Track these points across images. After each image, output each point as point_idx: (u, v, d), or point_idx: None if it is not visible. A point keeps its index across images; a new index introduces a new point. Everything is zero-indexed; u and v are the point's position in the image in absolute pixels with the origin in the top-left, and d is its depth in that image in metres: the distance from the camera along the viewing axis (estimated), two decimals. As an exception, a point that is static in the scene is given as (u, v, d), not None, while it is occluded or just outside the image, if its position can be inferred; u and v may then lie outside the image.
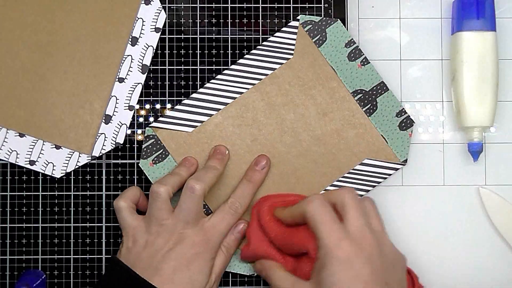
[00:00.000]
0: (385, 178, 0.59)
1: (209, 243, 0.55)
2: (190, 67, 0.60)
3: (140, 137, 0.60)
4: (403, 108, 0.59)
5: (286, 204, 0.56)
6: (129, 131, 0.60)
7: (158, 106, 0.60)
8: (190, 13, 0.60)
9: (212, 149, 0.59)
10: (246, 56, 0.59)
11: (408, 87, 0.61)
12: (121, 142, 0.60)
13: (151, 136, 0.59)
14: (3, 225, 0.60)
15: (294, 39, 0.59)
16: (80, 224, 0.60)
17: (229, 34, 0.60)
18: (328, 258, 0.49)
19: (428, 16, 0.61)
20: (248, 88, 0.59)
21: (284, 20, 0.60)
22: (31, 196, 0.60)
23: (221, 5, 0.60)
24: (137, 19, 0.60)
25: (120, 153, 0.60)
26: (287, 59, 0.59)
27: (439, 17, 0.61)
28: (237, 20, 0.60)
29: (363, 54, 0.59)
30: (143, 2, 0.60)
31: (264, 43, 0.59)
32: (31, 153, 0.59)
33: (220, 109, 0.59)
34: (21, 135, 0.59)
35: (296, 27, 0.59)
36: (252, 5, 0.60)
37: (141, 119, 0.60)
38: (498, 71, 0.58)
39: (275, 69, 0.59)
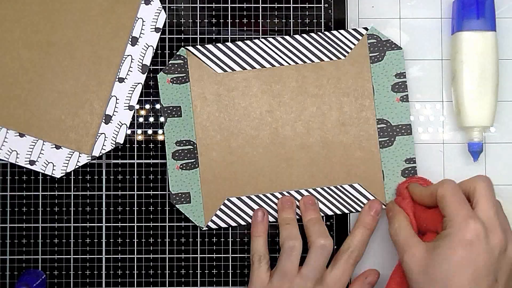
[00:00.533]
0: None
1: None
2: (190, 67, 0.60)
3: (140, 137, 0.60)
4: (415, 157, 0.59)
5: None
6: (129, 131, 0.60)
7: (158, 106, 0.60)
8: (190, 13, 0.60)
9: (289, 201, 0.59)
10: (304, 35, 0.59)
11: (408, 87, 0.61)
12: (121, 142, 0.60)
13: (182, 57, 0.59)
14: (3, 225, 0.60)
15: (354, 44, 0.59)
16: (80, 224, 0.60)
17: (229, 34, 0.60)
18: (452, 234, 0.49)
19: (428, 16, 0.61)
20: (289, 64, 0.59)
21: (284, 20, 0.60)
22: (31, 196, 0.60)
23: (221, 5, 0.60)
24: (137, 19, 0.60)
25: (120, 153, 0.60)
26: (338, 58, 0.59)
27: (439, 17, 0.61)
28: (237, 20, 0.60)
29: (407, 91, 0.59)
30: (143, 2, 0.60)
31: (326, 33, 0.59)
32: (31, 153, 0.59)
33: (255, 68, 0.59)
34: (21, 135, 0.59)
35: (361, 34, 0.59)
36: (252, 5, 0.60)
37: (141, 119, 0.60)
38: (498, 71, 0.58)
39: (323, 60, 0.59)
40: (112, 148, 0.60)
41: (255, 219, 0.58)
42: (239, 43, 0.59)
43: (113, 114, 0.60)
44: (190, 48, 0.59)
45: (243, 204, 0.59)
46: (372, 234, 0.58)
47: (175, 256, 0.60)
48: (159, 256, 0.60)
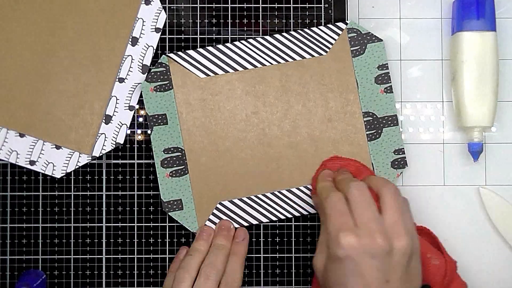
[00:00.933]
0: None
1: None
2: (190, 67, 0.60)
3: (140, 137, 0.60)
4: (403, 148, 0.59)
5: (342, 167, 0.57)
6: (129, 131, 0.60)
7: (158, 106, 0.60)
8: (190, 13, 0.60)
9: (217, 225, 0.59)
10: (284, 34, 0.59)
11: (408, 87, 0.61)
12: (121, 142, 0.60)
13: (164, 64, 0.59)
14: (3, 225, 0.60)
15: (335, 39, 0.59)
16: (80, 224, 0.60)
17: (229, 34, 0.60)
18: (330, 249, 0.50)
19: (428, 16, 0.61)
20: (271, 64, 0.59)
21: (284, 20, 0.60)
22: (31, 196, 0.60)
23: (221, 5, 0.60)
24: (137, 19, 0.60)
25: (120, 153, 0.60)
26: (320, 54, 0.59)
27: (439, 17, 0.61)
28: (237, 20, 0.60)
29: (390, 82, 0.59)
30: (143, 2, 0.60)
31: (306, 30, 0.59)
32: (31, 153, 0.59)
33: (237, 70, 0.59)
34: (22, 135, 0.59)
35: (341, 29, 0.59)
36: (252, 5, 0.60)
37: (141, 119, 0.60)
38: (498, 71, 0.58)
39: (305, 58, 0.59)
40: (112, 148, 0.60)
41: (177, 257, 0.59)
42: (220, 46, 0.59)
43: (113, 114, 0.60)
44: (171, 55, 0.59)
45: (236, 207, 0.59)
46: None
47: (174, 256, 0.60)
48: (159, 256, 0.60)
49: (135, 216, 0.60)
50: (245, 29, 0.60)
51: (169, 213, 0.59)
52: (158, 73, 0.59)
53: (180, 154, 0.59)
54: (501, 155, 0.60)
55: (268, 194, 0.59)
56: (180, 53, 0.59)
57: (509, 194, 0.60)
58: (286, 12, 0.60)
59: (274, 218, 0.59)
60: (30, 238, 0.60)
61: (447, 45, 0.61)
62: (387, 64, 0.59)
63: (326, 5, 0.60)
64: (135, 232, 0.60)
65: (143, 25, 0.60)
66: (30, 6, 0.59)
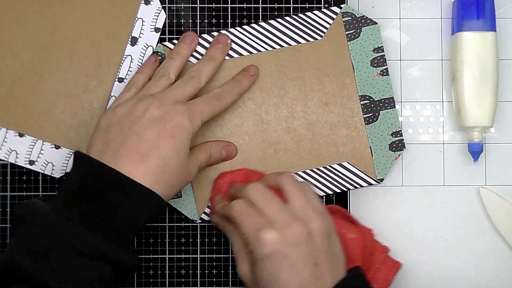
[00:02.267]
0: (355, 187, 0.59)
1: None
2: (190, 67, 0.60)
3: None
4: (401, 130, 0.59)
5: (246, 181, 0.57)
6: (129, 131, 0.60)
7: (158, 106, 0.60)
8: (190, 13, 0.60)
9: (214, 38, 0.59)
10: (279, 19, 0.59)
11: (408, 88, 0.61)
12: (121, 142, 0.60)
13: (159, 53, 0.59)
14: (3, 225, 0.60)
15: (330, 24, 0.59)
16: (80, 224, 0.60)
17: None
18: (254, 252, 0.50)
19: (428, 16, 0.61)
20: (267, 50, 0.59)
21: (284, 20, 0.60)
22: (31, 196, 0.60)
23: (221, 5, 0.60)
24: (136, 19, 0.60)
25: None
26: (315, 39, 0.59)
27: (439, 17, 0.61)
28: (237, 20, 0.60)
29: (386, 65, 0.59)
30: (142, 2, 0.60)
31: (300, 15, 0.59)
32: (30, 153, 0.59)
33: (232, 57, 0.59)
34: (21, 135, 0.59)
35: (336, 13, 0.59)
36: (252, 5, 0.60)
37: (141, 119, 0.60)
38: (498, 71, 0.58)
39: (300, 43, 0.59)
40: (112, 148, 0.60)
41: (148, 61, 0.58)
42: (215, 33, 0.59)
43: (113, 114, 0.59)
44: (167, 43, 0.59)
45: None
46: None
47: (175, 256, 0.60)
48: (159, 256, 0.60)
49: (135, 216, 0.60)
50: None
51: (168, 202, 0.59)
52: None
53: None
54: (501, 155, 0.60)
55: None
56: (175, 41, 0.59)
57: (509, 194, 0.60)
58: (286, 12, 0.60)
59: None
60: (30, 238, 0.60)
61: (447, 45, 0.61)
62: (382, 47, 0.59)
63: (326, 5, 0.60)
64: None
65: (142, 25, 0.60)
66: (30, 6, 0.59)
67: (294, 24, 0.59)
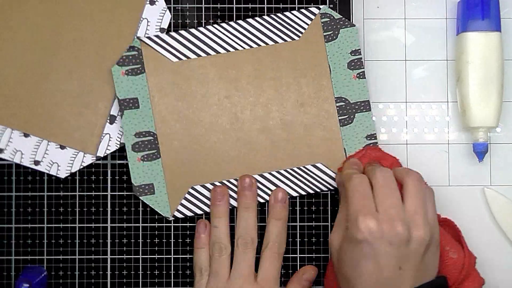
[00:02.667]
0: (328, 189, 0.59)
1: None
2: (195, 68, 0.60)
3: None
4: (375, 134, 0.59)
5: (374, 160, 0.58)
6: (134, 132, 0.60)
7: (163, 106, 0.60)
8: (195, 14, 0.60)
9: (239, 182, 0.59)
10: (257, 18, 0.59)
11: (413, 88, 0.61)
12: (126, 142, 0.60)
13: (136, 48, 0.59)
14: (8, 225, 0.60)
15: (307, 24, 0.59)
16: (85, 225, 0.60)
17: (234, 34, 0.60)
18: (348, 231, 0.50)
19: (433, 16, 0.61)
20: (244, 48, 0.59)
21: (289, 21, 0.60)
22: (36, 197, 0.60)
23: (226, 5, 0.60)
24: (141, 19, 0.60)
25: (125, 154, 0.60)
26: (293, 39, 0.59)
27: (444, 17, 0.61)
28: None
29: (363, 68, 0.59)
30: (147, 2, 0.60)
31: (279, 14, 0.59)
32: (35, 153, 0.59)
33: (210, 55, 0.59)
34: (26, 135, 0.59)
35: (314, 14, 0.59)
36: (257, 6, 0.60)
37: (146, 120, 0.60)
38: (503, 72, 0.58)
39: (277, 42, 0.59)
40: (117, 148, 0.60)
41: (198, 232, 0.59)
42: (193, 30, 0.59)
43: (117, 115, 0.59)
44: (144, 38, 0.59)
45: (208, 192, 0.59)
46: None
47: (180, 256, 0.60)
48: (164, 256, 0.60)
49: (140, 216, 0.60)
50: (250, 29, 0.60)
51: (140, 197, 0.58)
52: (130, 57, 0.59)
53: (152, 138, 0.59)
54: (506, 155, 0.60)
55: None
56: (152, 36, 0.59)
57: (514, 194, 0.60)
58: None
59: None
60: (35, 238, 0.60)
61: (452, 46, 0.61)
62: (359, 49, 0.59)
63: (331, 6, 0.60)
64: (140, 232, 0.60)
65: (147, 25, 0.60)
66: (34, 6, 0.59)
67: (272, 24, 0.59)
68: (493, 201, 0.60)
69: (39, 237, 0.60)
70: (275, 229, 0.58)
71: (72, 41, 0.59)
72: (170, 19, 0.60)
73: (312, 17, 0.59)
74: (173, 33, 0.59)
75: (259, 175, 0.59)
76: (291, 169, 0.59)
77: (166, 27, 0.60)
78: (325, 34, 0.59)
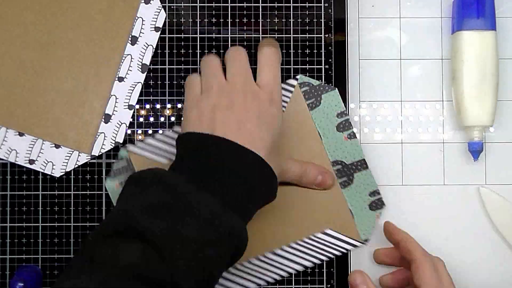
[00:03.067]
0: (342, 253, 0.59)
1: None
2: (190, 67, 0.60)
3: (140, 137, 0.60)
4: (378, 189, 0.59)
5: None
6: (129, 131, 0.60)
7: (158, 105, 0.60)
8: (190, 13, 0.60)
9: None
10: None
11: (408, 87, 0.61)
12: (121, 141, 0.60)
13: (124, 158, 0.59)
14: (3, 224, 0.60)
15: (289, 98, 0.59)
16: (80, 224, 0.60)
17: (229, 33, 0.60)
18: None
19: (428, 15, 0.61)
20: None
21: (284, 20, 0.60)
22: (31, 196, 0.60)
23: (221, 4, 0.60)
24: (137, 18, 0.60)
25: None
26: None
27: (439, 16, 0.61)
28: (237, 20, 0.60)
29: (352, 128, 0.59)
30: (143, 1, 0.60)
31: None
32: (30, 152, 0.59)
33: None
34: (21, 134, 0.59)
35: (293, 86, 0.59)
36: (252, 5, 0.60)
37: (141, 119, 0.60)
38: (498, 71, 0.58)
39: None
40: (112, 147, 0.60)
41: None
42: (175, 128, 0.59)
43: (112, 113, 0.60)
44: (130, 147, 0.58)
45: None
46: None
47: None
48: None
49: (135, 216, 0.60)
50: (245, 28, 0.60)
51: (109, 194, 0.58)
52: (121, 168, 0.58)
53: None
54: (501, 154, 0.60)
55: (252, 259, 0.58)
56: (137, 142, 0.58)
57: (509, 193, 0.60)
58: (286, 11, 0.60)
59: None
60: (30, 237, 0.60)
61: (447, 44, 0.61)
62: (345, 111, 0.59)
63: (326, 5, 0.60)
64: (135, 231, 0.60)
65: (142, 24, 0.60)
66: (30, 5, 0.59)
67: None
68: (488, 200, 0.60)
69: (34, 236, 0.60)
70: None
71: (67, 40, 0.59)
72: (165, 18, 0.60)
73: (292, 89, 0.59)
74: (156, 135, 0.59)
75: (271, 252, 0.58)
76: (301, 240, 0.58)
77: (161, 26, 0.60)
78: (308, 102, 0.59)
